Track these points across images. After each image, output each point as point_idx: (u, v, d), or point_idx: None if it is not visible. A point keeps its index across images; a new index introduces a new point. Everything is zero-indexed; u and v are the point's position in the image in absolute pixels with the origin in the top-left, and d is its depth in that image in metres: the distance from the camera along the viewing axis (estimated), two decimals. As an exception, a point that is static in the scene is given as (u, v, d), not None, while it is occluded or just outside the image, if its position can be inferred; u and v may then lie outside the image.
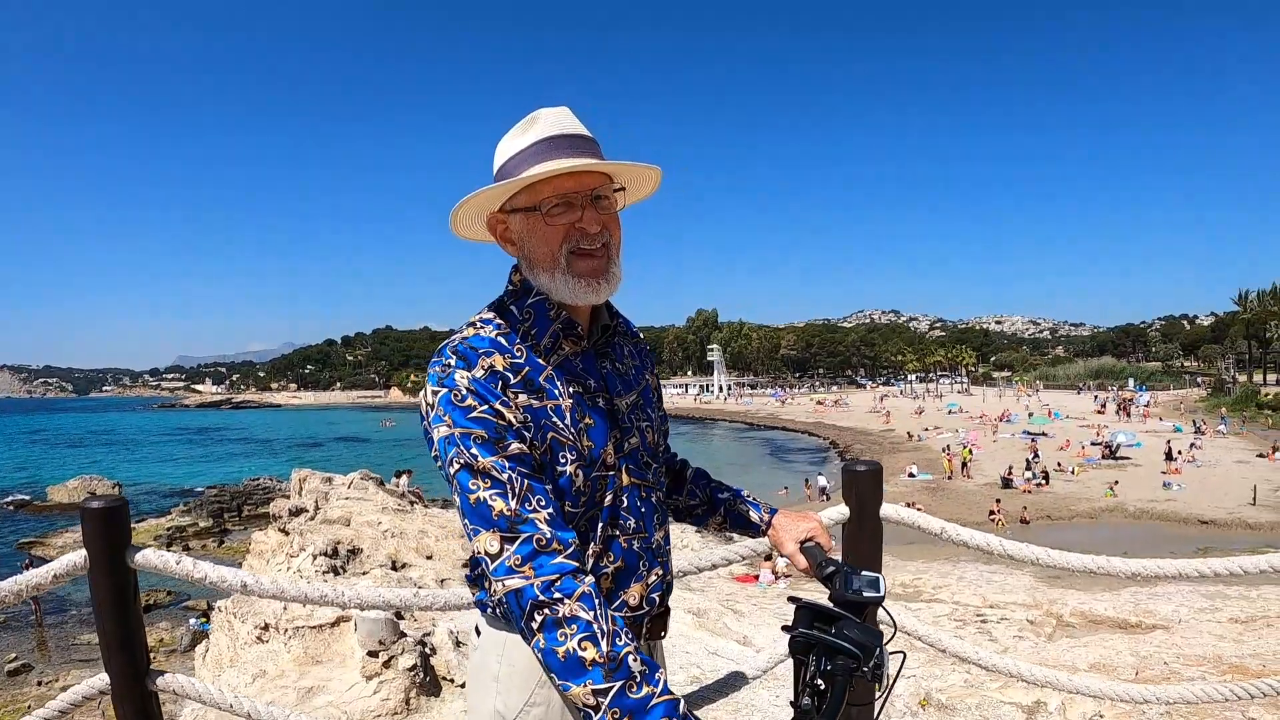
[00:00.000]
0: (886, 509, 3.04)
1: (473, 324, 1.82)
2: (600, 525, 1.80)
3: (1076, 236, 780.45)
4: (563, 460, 1.73)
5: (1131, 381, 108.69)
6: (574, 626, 1.48)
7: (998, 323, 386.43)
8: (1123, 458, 44.40)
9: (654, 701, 1.45)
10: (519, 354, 1.75)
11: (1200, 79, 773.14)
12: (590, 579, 1.57)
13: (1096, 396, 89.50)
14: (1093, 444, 48.97)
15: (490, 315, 1.83)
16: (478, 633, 1.93)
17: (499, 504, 1.59)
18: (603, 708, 1.44)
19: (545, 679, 1.74)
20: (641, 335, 2.18)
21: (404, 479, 24.01)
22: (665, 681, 1.50)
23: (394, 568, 12.81)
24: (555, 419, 1.73)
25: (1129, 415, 68.86)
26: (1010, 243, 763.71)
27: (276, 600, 2.20)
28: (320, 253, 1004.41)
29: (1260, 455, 44.10)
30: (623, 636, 1.50)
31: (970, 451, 45.11)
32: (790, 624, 1.69)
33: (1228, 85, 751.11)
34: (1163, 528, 29.58)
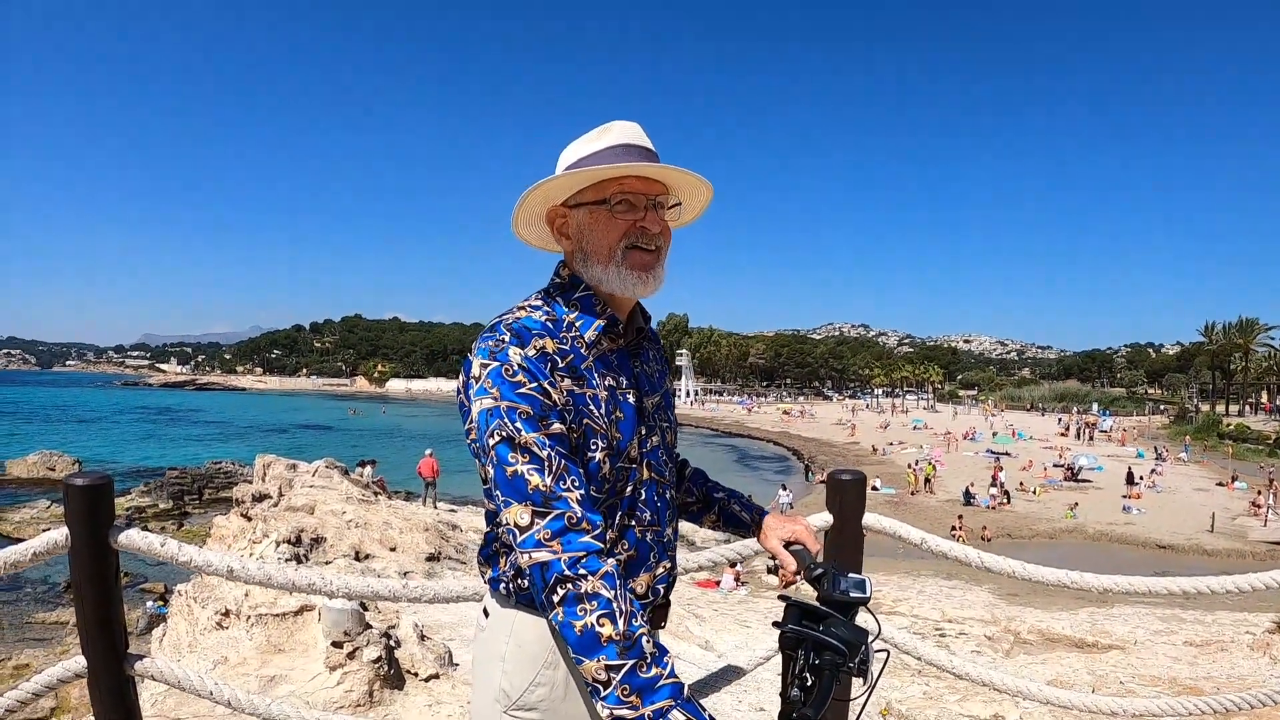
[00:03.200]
0: (869, 518, 3.08)
1: (523, 307, 1.89)
2: (619, 514, 1.88)
3: (1047, 261, 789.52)
4: (594, 447, 1.81)
5: (1095, 406, 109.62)
6: (594, 603, 1.54)
7: (966, 342, 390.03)
8: (1084, 480, 44.78)
9: (662, 682, 1.51)
10: (565, 342, 1.83)
11: (1175, 111, 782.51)
12: (613, 561, 1.62)
13: (1060, 419, 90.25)
14: (1055, 465, 49.40)
15: (539, 302, 1.91)
16: (486, 614, 1.98)
17: (535, 479, 1.64)
18: (614, 683, 1.50)
19: (551, 659, 1.83)
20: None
21: (368, 469, 23.86)
22: (673, 666, 1.55)
23: (357, 558, 12.76)
24: (592, 407, 1.82)
25: (1092, 439, 69.54)
26: (982, 264, 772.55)
27: (263, 586, 2.19)
28: (291, 237, 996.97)
29: (1219, 484, 44.79)
30: (639, 618, 1.57)
31: (934, 468, 45.35)
32: (780, 620, 1.75)
33: (1203, 117, 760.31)
34: (1121, 550, 29.92)
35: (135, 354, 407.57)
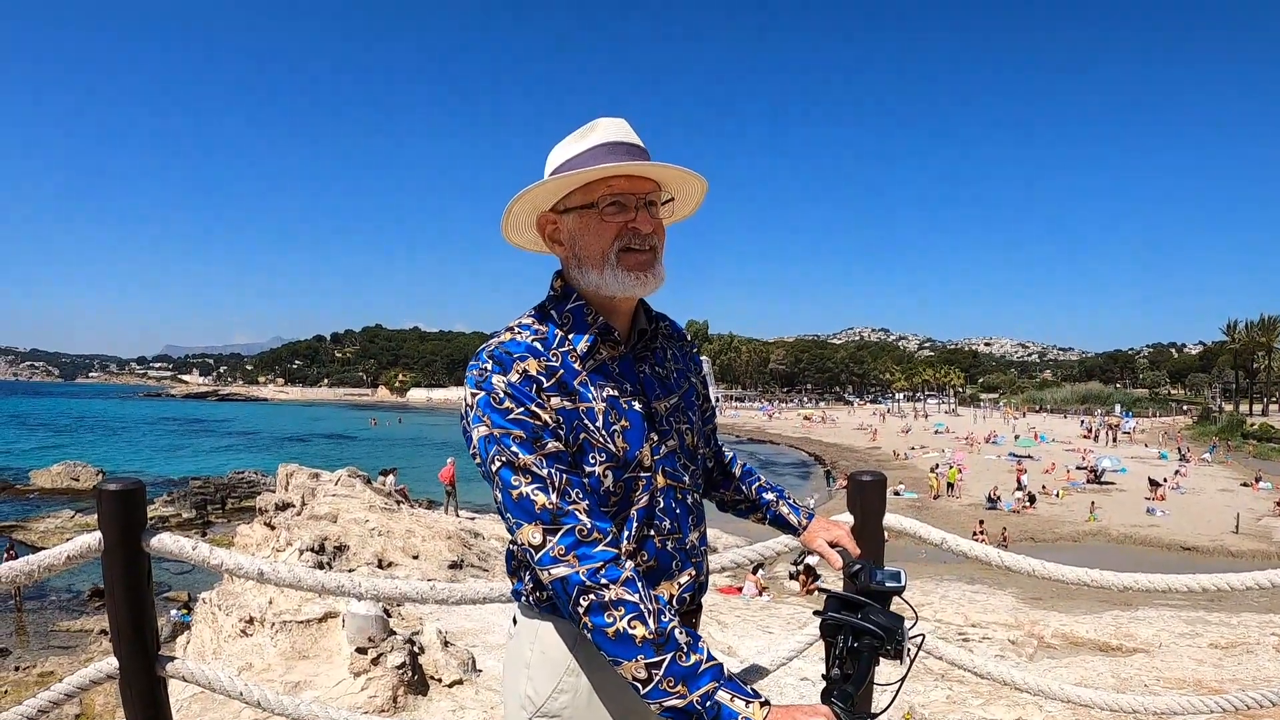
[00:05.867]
0: (889, 518, 3.11)
1: (511, 329, 1.87)
2: (635, 525, 1.87)
3: (1068, 262, 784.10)
4: (592, 461, 1.79)
5: (1118, 407, 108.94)
6: (621, 609, 1.57)
7: (986, 344, 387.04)
8: (1107, 482, 44.46)
9: (703, 667, 1.55)
10: (554, 359, 1.81)
11: (1194, 109, 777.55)
12: (631, 564, 1.66)
13: (1083, 421, 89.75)
14: (1078, 468, 49.06)
15: (529, 320, 1.89)
16: (514, 622, 2.01)
17: (540, 498, 1.66)
18: (656, 678, 1.54)
19: (574, 667, 1.85)
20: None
21: (390, 478, 23.98)
22: (709, 650, 1.59)
23: (380, 565, 12.83)
24: (587, 421, 1.80)
25: (1116, 440, 69.10)
26: (1001, 265, 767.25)
27: (293, 589, 2.22)
28: (311, 248, 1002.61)
29: (1244, 484, 44.35)
30: (667, 613, 1.60)
31: (958, 472, 45.11)
32: (820, 610, 1.83)
33: (1222, 115, 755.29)
34: (1145, 553, 29.66)
35: (158, 365, 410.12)
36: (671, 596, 1.94)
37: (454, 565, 13.96)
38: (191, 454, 70.34)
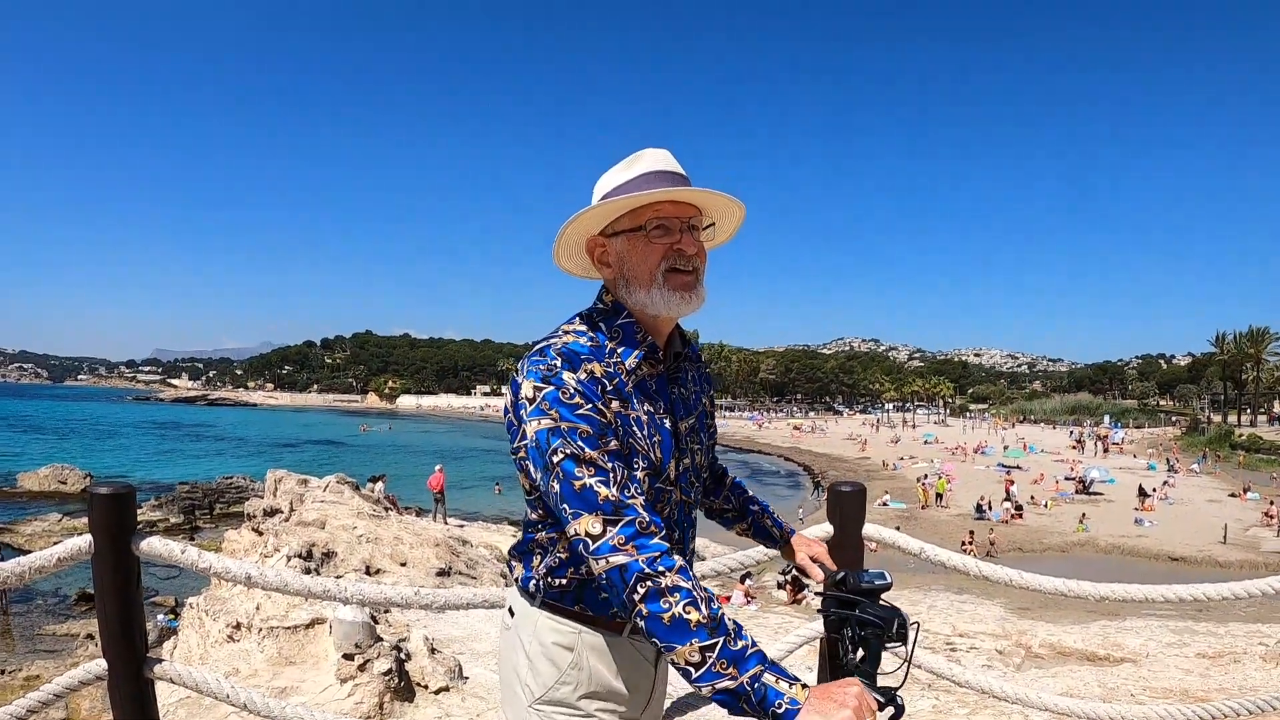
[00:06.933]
0: (868, 528, 3.13)
1: (568, 331, 1.97)
2: None
3: (1057, 273, 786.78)
4: (636, 466, 1.88)
5: (1107, 418, 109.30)
6: (677, 595, 1.62)
7: (976, 355, 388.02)
8: (1096, 493, 44.66)
9: (750, 651, 1.61)
10: (610, 366, 1.92)
11: (1185, 119, 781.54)
12: (680, 557, 1.71)
13: (1072, 432, 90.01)
14: (1066, 478, 49.20)
15: (583, 328, 1.99)
16: (511, 613, 2.07)
17: (603, 490, 1.73)
18: (709, 661, 1.59)
19: (575, 661, 1.94)
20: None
21: (379, 485, 23.92)
22: (752, 637, 1.65)
23: (368, 572, 12.79)
24: (635, 429, 1.91)
25: (1106, 451, 69.30)
26: (991, 277, 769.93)
27: (280, 593, 2.23)
28: (302, 253, 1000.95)
29: (1232, 495, 44.62)
30: (715, 601, 1.66)
31: (946, 482, 45.20)
32: (821, 609, 2.02)
33: (1212, 126, 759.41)
34: (1133, 563, 29.80)
35: (147, 369, 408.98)
36: None
37: (442, 573, 13.91)
38: (180, 458, 70.09)
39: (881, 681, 1.84)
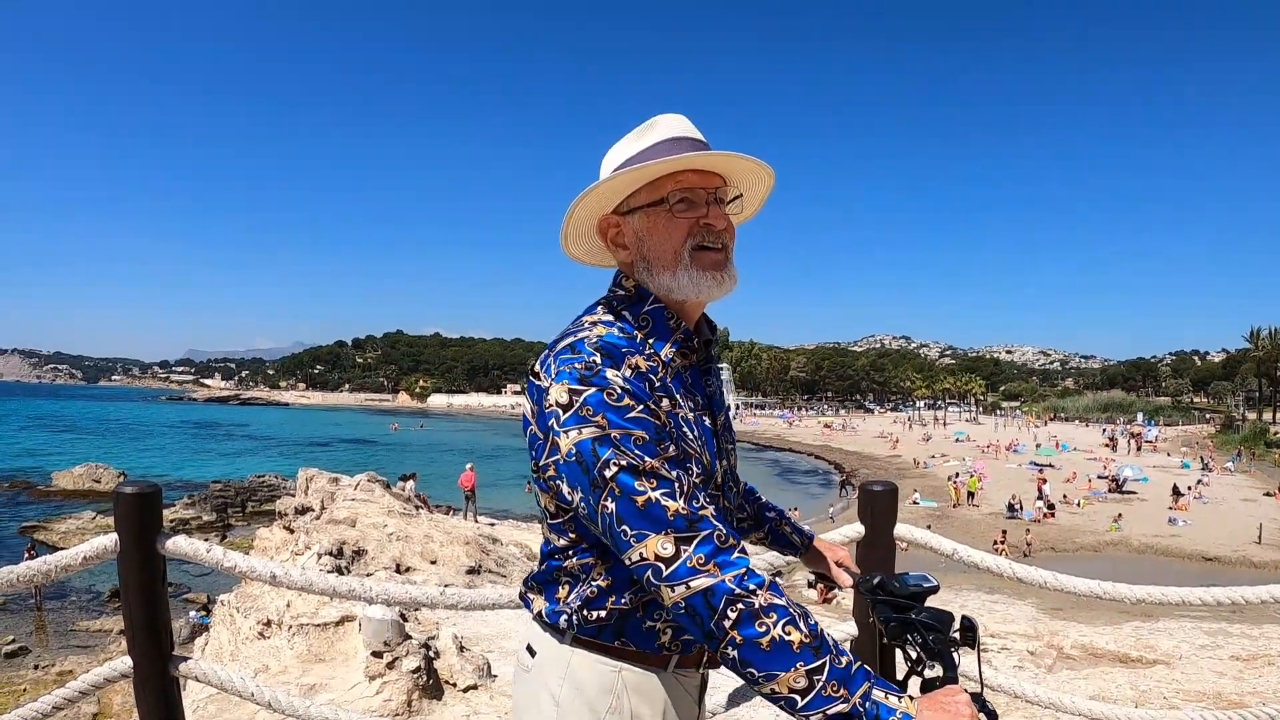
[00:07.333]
0: (900, 529, 3.10)
1: (596, 322, 1.71)
2: None
3: (1090, 269, 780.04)
4: (689, 472, 1.60)
5: (1141, 416, 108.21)
6: (774, 615, 1.42)
7: (1008, 352, 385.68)
8: (1129, 492, 44.10)
9: (855, 667, 1.42)
10: (650, 360, 1.66)
11: (1217, 112, 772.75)
12: (767, 572, 1.54)
13: (1105, 429, 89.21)
14: (1099, 477, 48.71)
15: (609, 317, 1.74)
16: (531, 652, 1.78)
17: (672, 504, 1.49)
18: (819, 684, 1.39)
19: (615, 705, 1.67)
20: None
21: (410, 483, 24.04)
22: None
23: (398, 570, 12.84)
24: (685, 429, 1.67)
25: (1140, 449, 68.65)
26: (1023, 273, 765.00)
27: (305, 592, 2.21)
28: (334, 253, 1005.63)
29: (1267, 494, 43.88)
30: (811, 616, 1.46)
31: (978, 480, 44.85)
32: (878, 617, 1.81)
33: (1247, 120, 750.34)
34: (1166, 563, 29.45)
35: (180, 369, 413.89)
36: None
37: (471, 570, 13.95)
38: (213, 457, 70.70)
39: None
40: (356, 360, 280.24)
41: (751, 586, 1.43)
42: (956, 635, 1.69)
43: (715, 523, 1.49)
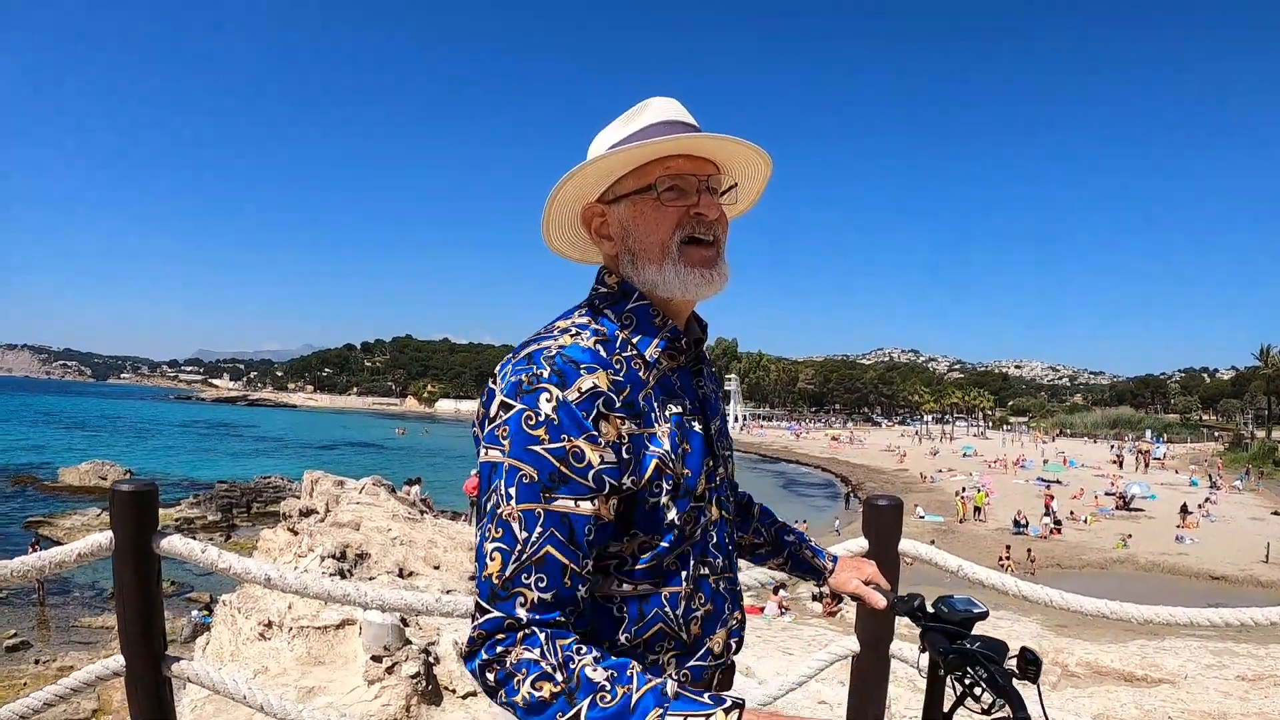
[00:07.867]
0: (905, 544, 3.07)
1: (566, 330, 1.55)
2: (691, 563, 1.59)
3: (1099, 285, 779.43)
4: (657, 490, 1.50)
5: (1149, 433, 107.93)
6: (524, 670, 1.31)
7: (1017, 367, 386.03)
8: (1136, 509, 43.97)
9: (635, 698, 1.26)
10: (619, 367, 1.51)
11: (1229, 130, 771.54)
12: (550, 629, 1.38)
13: (1113, 446, 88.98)
14: (1107, 494, 48.57)
15: (585, 320, 1.59)
16: None
17: (494, 564, 1.39)
18: None
19: None
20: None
21: (415, 488, 24.07)
22: (640, 673, 1.31)
23: (401, 575, 12.82)
24: (664, 444, 1.52)
25: (1148, 467, 68.46)
26: (1033, 288, 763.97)
27: (299, 596, 2.19)
28: (344, 257, 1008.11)
29: (1275, 513, 43.77)
30: (575, 658, 1.32)
31: (985, 495, 44.73)
32: (928, 646, 1.72)
33: (1257, 134, 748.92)
34: (1173, 581, 29.35)
35: (189, 369, 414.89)
36: (724, 644, 1.69)
37: (475, 577, 13.97)
38: (219, 457, 70.96)
39: None
40: (365, 364, 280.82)
41: (500, 649, 1.34)
42: (1014, 667, 1.59)
43: (518, 610, 1.36)
